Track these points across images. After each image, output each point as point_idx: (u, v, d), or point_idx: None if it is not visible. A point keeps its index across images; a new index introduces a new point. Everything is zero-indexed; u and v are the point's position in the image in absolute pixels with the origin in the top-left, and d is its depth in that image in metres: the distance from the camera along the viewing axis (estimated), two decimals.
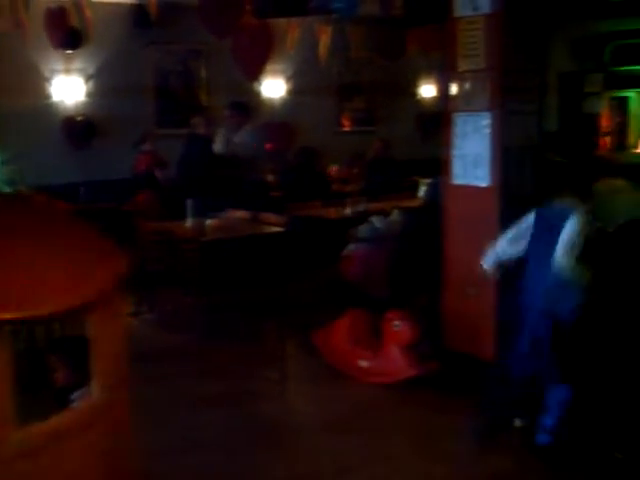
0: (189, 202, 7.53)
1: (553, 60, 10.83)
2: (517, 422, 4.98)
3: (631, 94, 11.33)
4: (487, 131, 5.71)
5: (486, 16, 5.70)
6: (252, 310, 7.26)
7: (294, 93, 11.74)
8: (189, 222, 7.50)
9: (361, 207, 8.27)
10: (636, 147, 11.13)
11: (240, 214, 7.99)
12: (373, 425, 5.20)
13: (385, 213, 7.62)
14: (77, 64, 10.02)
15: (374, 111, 12.87)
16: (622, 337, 4.87)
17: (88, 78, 10.14)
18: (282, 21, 9.71)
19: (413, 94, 13.01)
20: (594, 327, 4.75)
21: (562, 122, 11.37)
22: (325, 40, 10.34)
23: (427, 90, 12.96)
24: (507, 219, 5.65)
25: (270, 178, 9.65)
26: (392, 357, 5.86)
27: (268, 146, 9.74)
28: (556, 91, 11.54)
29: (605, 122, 11.32)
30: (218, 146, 8.91)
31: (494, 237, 5.65)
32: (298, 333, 6.79)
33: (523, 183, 5.79)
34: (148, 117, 10.55)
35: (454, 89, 5.98)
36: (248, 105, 9.41)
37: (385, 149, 10.04)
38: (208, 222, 7.53)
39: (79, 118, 10.07)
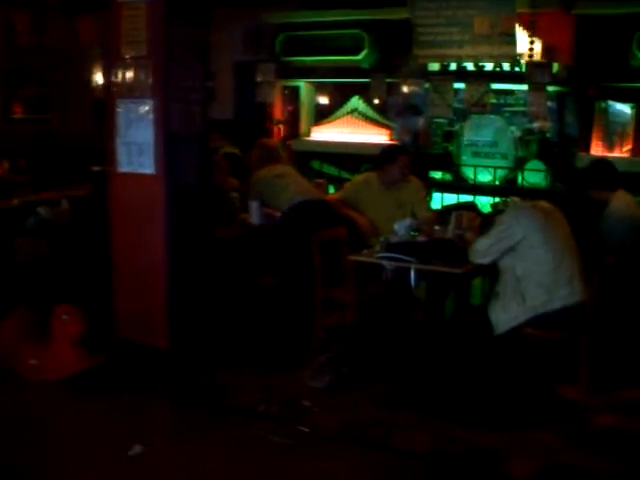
0: None
1: (228, 49, 11.03)
2: None
3: (301, 84, 11.73)
4: (151, 119, 5.68)
5: (148, 2, 5.65)
6: None
7: None
8: None
9: (30, 198, 7.89)
10: (308, 135, 11.55)
11: None
12: (43, 424, 4.99)
13: (55, 203, 7.35)
14: None
15: (48, 98, 12.38)
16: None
17: None
18: None
19: (89, 81, 12.68)
20: None
21: (237, 110, 11.58)
22: None
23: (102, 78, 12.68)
24: (173, 206, 5.72)
25: None
26: (61, 352, 5.70)
27: None
28: (232, 80, 11.73)
29: (278, 111, 11.66)
30: None
31: (161, 224, 5.71)
32: None
33: (188, 170, 5.83)
34: None
35: (118, 76, 5.87)
36: None
37: (54, 137, 9.70)
38: None
39: None
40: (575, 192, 6.57)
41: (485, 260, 5.19)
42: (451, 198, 9.45)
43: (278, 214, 6.67)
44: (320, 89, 11.90)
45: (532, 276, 4.98)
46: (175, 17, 5.73)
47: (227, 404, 5.24)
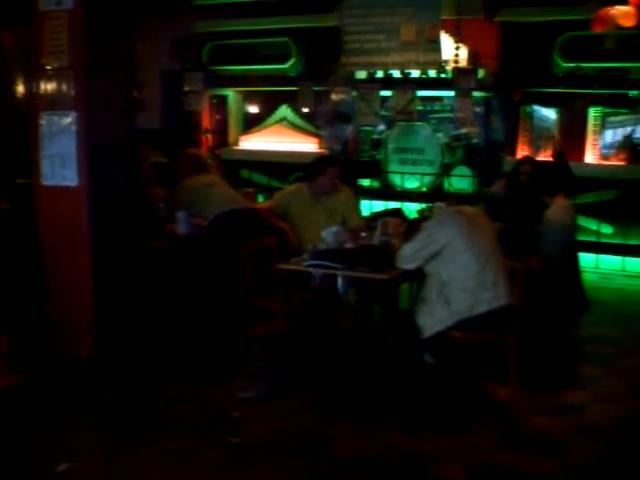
0: None
1: (156, 59, 10.95)
2: None
3: (229, 93, 11.72)
4: (74, 130, 5.61)
5: (69, 11, 5.57)
6: None
7: None
8: None
9: None
10: (236, 144, 11.55)
11: None
12: None
13: None
14: None
15: None
16: None
17: None
18: None
19: (13, 93, 12.45)
20: None
21: (165, 120, 11.50)
22: None
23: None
24: (97, 218, 5.66)
25: None
26: None
27: None
28: (160, 89, 11.65)
29: (206, 120, 11.63)
30: None
31: (85, 236, 5.64)
32: None
33: (112, 181, 5.78)
34: None
35: (40, 87, 5.78)
36: None
37: None
38: None
39: None
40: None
41: (411, 265, 5.22)
42: (379, 205, 9.53)
43: (205, 223, 6.63)
44: (249, 98, 11.91)
45: (457, 280, 5.04)
46: (97, 26, 5.66)
47: (157, 417, 5.18)
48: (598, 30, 8.10)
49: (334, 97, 10.59)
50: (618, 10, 7.86)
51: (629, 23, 7.87)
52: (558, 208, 6.19)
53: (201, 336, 6.20)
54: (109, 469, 4.50)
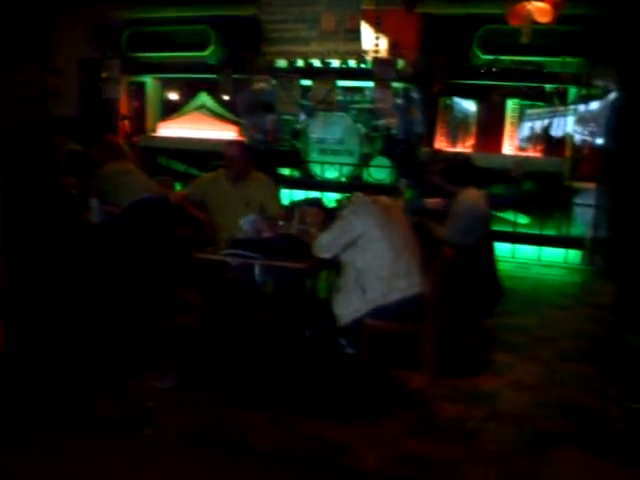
0: None
1: (74, 46, 10.74)
2: None
3: (148, 80, 11.59)
4: None
5: None
6: None
7: None
8: None
9: None
10: (154, 131, 11.42)
11: None
12: None
13: None
14: None
15: None
16: None
17: None
18: None
19: None
20: None
21: (83, 107, 11.31)
22: None
23: None
24: (8, 206, 5.51)
25: None
26: None
27: None
28: (77, 76, 11.44)
29: (124, 107, 11.47)
30: None
31: None
32: None
33: (23, 168, 5.66)
34: None
35: None
36: None
37: None
38: None
39: None
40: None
41: (327, 254, 5.22)
42: (300, 194, 9.54)
43: (118, 211, 6.52)
44: (167, 85, 11.80)
45: (372, 269, 5.05)
46: (9, 10, 5.52)
47: (70, 410, 5.05)
48: (514, 24, 8.22)
49: (254, 86, 10.55)
50: (534, 6, 8.00)
51: (545, 19, 8.01)
52: (472, 196, 6.26)
53: (117, 327, 6.10)
54: (23, 465, 4.39)
